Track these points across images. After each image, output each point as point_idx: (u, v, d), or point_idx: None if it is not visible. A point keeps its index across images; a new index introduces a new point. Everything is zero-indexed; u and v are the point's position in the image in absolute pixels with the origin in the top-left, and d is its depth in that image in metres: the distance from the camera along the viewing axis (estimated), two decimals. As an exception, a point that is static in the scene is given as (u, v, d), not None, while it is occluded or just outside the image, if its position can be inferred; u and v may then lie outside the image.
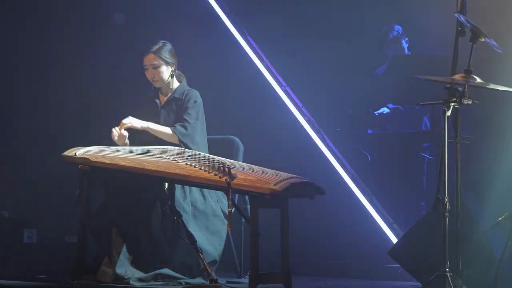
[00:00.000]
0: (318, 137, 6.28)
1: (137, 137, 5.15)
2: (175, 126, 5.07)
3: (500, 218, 4.44)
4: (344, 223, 6.36)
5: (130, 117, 5.05)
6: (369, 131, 6.24)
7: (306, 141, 6.30)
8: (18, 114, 6.56)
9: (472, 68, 4.05)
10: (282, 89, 6.43)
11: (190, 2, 6.79)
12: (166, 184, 4.67)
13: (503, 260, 4.31)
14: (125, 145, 5.09)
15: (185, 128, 5.07)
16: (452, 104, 4.03)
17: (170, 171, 4.45)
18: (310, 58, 6.71)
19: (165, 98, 5.24)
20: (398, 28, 6.54)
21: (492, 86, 4.10)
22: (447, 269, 3.99)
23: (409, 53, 6.53)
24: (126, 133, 5.05)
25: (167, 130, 5.07)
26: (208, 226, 4.88)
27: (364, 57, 6.68)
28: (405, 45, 6.53)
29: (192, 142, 5.03)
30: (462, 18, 4.13)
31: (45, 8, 6.63)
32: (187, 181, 4.50)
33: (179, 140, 5.02)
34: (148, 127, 5.06)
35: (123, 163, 4.54)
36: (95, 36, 6.65)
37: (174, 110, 5.20)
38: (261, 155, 5.53)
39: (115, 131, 5.04)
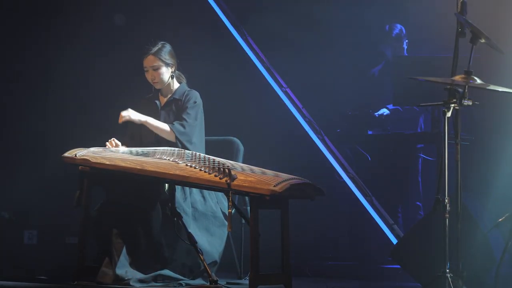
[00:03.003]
0: (318, 138, 6.27)
1: (137, 138, 5.16)
2: (173, 124, 5.06)
3: (500, 219, 4.45)
4: (344, 224, 6.36)
5: (129, 109, 5.01)
6: (370, 132, 6.23)
7: (306, 142, 6.30)
8: (17, 114, 6.56)
9: (472, 69, 4.05)
10: (282, 90, 6.42)
11: (191, 3, 6.79)
12: (166, 185, 4.67)
13: (503, 261, 4.31)
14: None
15: (183, 126, 5.05)
16: (452, 105, 4.03)
17: (170, 172, 4.44)
18: (310, 59, 6.71)
19: (165, 99, 5.23)
20: (401, 27, 6.54)
21: (492, 87, 4.10)
22: (447, 270, 3.99)
23: (406, 54, 6.52)
24: (119, 143, 5.01)
25: (165, 126, 5.05)
26: (208, 227, 4.88)
27: (364, 57, 6.68)
28: (405, 46, 6.53)
29: (188, 141, 5.01)
30: (462, 19, 4.13)
31: (45, 8, 6.63)
32: (187, 182, 4.49)
33: (176, 137, 5.01)
34: (146, 121, 5.02)
35: (123, 164, 4.54)
36: (95, 37, 6.65)
37: (173, 111, 5.19)
38: (261, 156, 5.53)
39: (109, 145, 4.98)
